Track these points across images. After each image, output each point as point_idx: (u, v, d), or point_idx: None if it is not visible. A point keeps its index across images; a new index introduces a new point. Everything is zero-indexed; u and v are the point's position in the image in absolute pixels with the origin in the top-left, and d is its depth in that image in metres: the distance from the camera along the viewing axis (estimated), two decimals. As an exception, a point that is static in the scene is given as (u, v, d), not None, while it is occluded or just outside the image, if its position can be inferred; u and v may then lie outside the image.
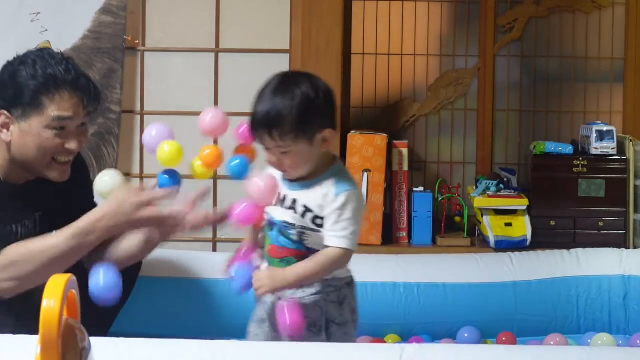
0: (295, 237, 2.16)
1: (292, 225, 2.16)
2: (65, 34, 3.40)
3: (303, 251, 2.16)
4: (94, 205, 2.53)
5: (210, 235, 3.49)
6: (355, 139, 3.40)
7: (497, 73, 3.78)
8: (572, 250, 3.06)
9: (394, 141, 3.50)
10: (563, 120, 3.79)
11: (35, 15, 3.39)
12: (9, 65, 2.37)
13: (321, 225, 2.13)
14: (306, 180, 2.17)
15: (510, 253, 3.08)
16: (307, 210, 2.15)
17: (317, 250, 2.14)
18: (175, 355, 1.87)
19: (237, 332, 2.80)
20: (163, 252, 2.99)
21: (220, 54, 3.48)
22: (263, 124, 2.10)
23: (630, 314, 2.93)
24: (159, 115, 3.48)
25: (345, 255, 2.12)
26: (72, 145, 2.36)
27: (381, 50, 3.81)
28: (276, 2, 3.45)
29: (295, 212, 2.16)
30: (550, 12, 3.78)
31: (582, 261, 3.00)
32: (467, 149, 3.81)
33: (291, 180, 2.18)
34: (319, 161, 2.15)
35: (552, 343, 2.78)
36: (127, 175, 3.47)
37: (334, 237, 2.11)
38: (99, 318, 2.50)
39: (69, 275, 1.44)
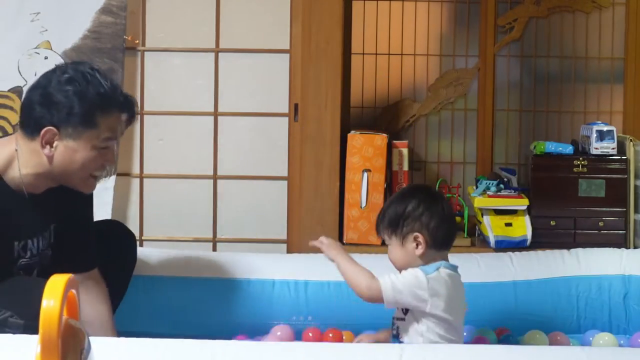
0: (394, 332, 2.37)
1: (393, 320, 2.38)
2: (65, 34, 3.40)
3: None
4: (90, 212, 2.56)
5: (210, 235, 3.49)
6: (355, 139, 3.39)
7: (497, 73, 3.78)
8: (572, 250, 3.05)
9: (394, 141, 3.50)
10: (563, 120, 3.79)
11: (35, 15, 3.39)
12: (52, 80, 2.34)
13: (405, 313, 2.32)
14: None
15: (510, 253, 3.07)
16: None
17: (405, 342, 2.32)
18: (175, 355, 1.87)
19: (237, 331, 2.80)
20: (163, 252, 2.99)
21: (220, 54, 3.48)
22: (375, 221, 2.45)
23: (631, 314, 2.93)
24: (159, 115, 3.48)
25: (374, 289, 2.30)
26: (109, 162, 2.39)
27: (381, 50, 3.81)
28: (276, 2, 3.45)
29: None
30: (550, 12, 3.78)
31: (582, 261, 2.99)
32: (467, 148, 3.81)
33: None
34: (420, 261, 2.34)
35: (558, 338, 2.78)
36: (127, 175, 3.47)
37: (384, 274, 2.31)
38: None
39: (68, 275, 1.44)
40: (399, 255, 2.36)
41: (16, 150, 2.35)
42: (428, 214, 2.35)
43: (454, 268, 2.37)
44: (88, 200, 2.56)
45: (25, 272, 2.39)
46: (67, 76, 2.33)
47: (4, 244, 2.34)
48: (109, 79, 2.39)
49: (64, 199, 2.45)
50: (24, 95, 2.41)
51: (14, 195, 2.35)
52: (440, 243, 2.37)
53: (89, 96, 2.31)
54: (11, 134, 2.47)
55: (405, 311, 2.32)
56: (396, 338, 2.35)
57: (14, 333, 2.07)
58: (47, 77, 2.36)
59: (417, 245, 2.33)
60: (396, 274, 2.33)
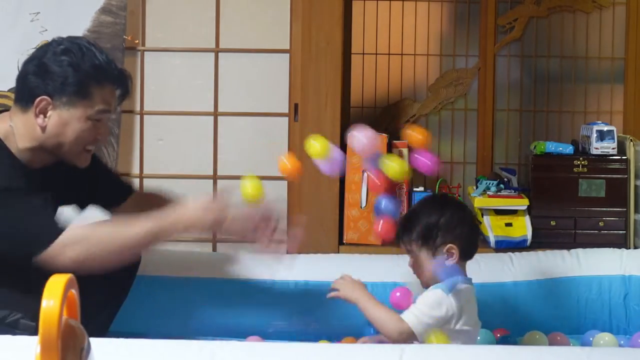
0: None
1: None
2: (65, 33, 3.34)
3: None
4: (96, 185, 2.59)
5: (210, 235, 3.48)
6: (356, 139, 3.39)
7: (497, 73, 3.78)
8: (573, 250, 3.05)
9: (394, 141, 3.50)
10: (563, 120, 3.79)
11: (35, 15, 3.39)
12: (47, 52, 2.35)
13: None
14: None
15: (510, 253, 3.07)
16: None
17: None
18: (175, 355, 1.87)
19: (237, 331, 2.80)
20: (163, 252, 2.99)
21: (220, 54, 3.48)
22: (397, 231, 2.41)
23: (631, 314, 2.93)
24: (159, 115, 3.48)
25: (405, 332, 2.27)
26: (102, 135, 2.40)
27: (381, 50, 3.81)
28: (276, 2, 3.45)
29: None
30: (551, 12, 3.78)
31: (583, 261, 2.99)
32: (467, 148, 3.81)
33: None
34: (441, 272, 2.32)
35: (558, 338, 2.78)
36: (127, 175, 3.46)
37: (408, 311, 2.30)
38: (99, 316, 2.52)
39: (68, 275, 1.44)
40: (427, 266, 2.35)
41: (10, 126, 2.35)
42: (461, 225, 2.35)
43: (469, 281, 2.38)
44: (93, 177, 2.58)
45: None
46: (62, 47, 2.35)
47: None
48: (105, 54, 2.39)
49: (62, 175, 2.45)
50: (19, 69, 2.41)
51: (20, 166, 2.35)
52: (469, 253, 2.39)
53: (83, 67, 2.32)
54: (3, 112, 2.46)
55: None
56: None
57: (25, 335, 2.07)
58: (43, 49, 2.39)
59: (449, 256, 2.33)
60: (416, 305, 2.31)
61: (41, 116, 2.32)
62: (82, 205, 2.53)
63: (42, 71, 2.32)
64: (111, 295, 2.59)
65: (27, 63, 2.37)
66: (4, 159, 2.34)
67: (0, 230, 2.26)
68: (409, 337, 2.27)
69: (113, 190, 2.67)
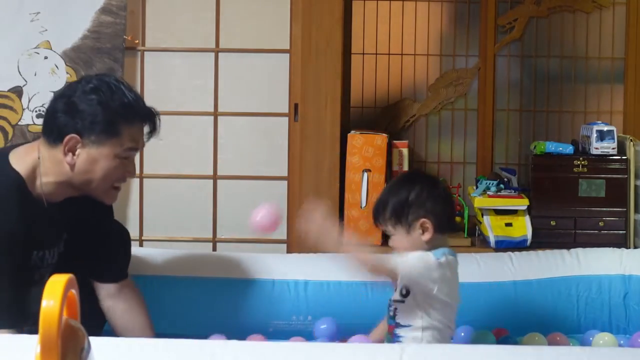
0: (391, 313, 2.35)
1: (390, 302, 2.38)
2: (65, 34, 3.40)
3: (392, 326, 2.36)
4: (110, 221, 2.59)
5: (210, 235, 3.49)
6: (355, 139, 3.39)
7: (497, 73, 3.78)
8: (572, 250, 3.05)
9: (394, 141, 3.50)
10: (563, 120, 3.79)
11: (35, 15, 3.39)
12: (76, 90, 2.35)
13: (405, 295, 2.32)
14: None
15: (510, 253, 3.07)
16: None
17: (406, 326, 2.33)
18: (176, 355, 1.87)
19: (237, 331, 2.80)
20: (163, 252, 2.99)
21: (220, 54, 3.48)
22: (373, 212, 2.43)
23: (631, 314, 2.93)
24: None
25: (384, 260, 2.28)
26: (130, 173, 2.41)
27: (381, 50, 3.81)
28: (276, 2, 3.45)
29: (395, 289, 2.37)
30: (551, 12, 3.77)
31: (582, 261, 2.99)
32: (467, 148, 3.81)
33: None
34: (426, 246, 2.33)
35: (557, 338, 2.78)
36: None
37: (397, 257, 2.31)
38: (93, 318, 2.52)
39: (68, 275, 1.43)
40: (405, 243, 2.35)
41: (39, 158, 2.35)
42: (432, 199, 2.34)
43: (454, 254, 2.38)
44: (108, 210, 2.58)
45: (41, 281, 2.39)
46: (91, 86, 2.35)
47: (23, 253, 2.35)
48: (134, 92, 2.40)
49: (82, 209, 2.46)
50: (47, 104, 2.41)
51: (35, 204, 2.35)
52: (445, 226, 2.37)
53: (112, 105, 2.33)
54: (31, 142, 2.47)
55: (406, 293, 2.32)
56: (392, 319, 2.36)
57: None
58: (72, 87, 2.38)
59: (424, 231, 2.33)
60: (405, 254, 2.32)
61: (70, 154, 2.33)
62: (95, 237, 2.54)
63: (71, 109, 2.32)
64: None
65: (56, 100, 2.37)
66: (18, 202, 2.33)
67: None
68: (386, 263, 2.28)
69: (106, 261, 2.61)
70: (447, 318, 2.34)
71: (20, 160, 2.35)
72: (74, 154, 2.32)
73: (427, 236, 2.33)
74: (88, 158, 2.33)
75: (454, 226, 2.43)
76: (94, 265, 2.56)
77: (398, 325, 2.34)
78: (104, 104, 2.32)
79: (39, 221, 2.35)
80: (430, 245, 2.33)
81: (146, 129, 2.42)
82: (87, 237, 2.51)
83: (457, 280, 2.40)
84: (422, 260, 2.29)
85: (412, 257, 2.30)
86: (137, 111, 2.38)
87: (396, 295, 2.36)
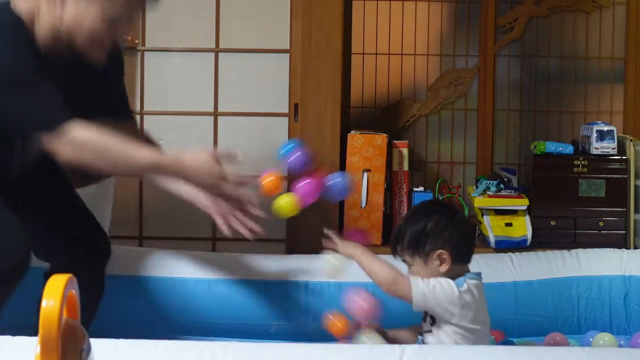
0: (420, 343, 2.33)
1: (421, 334, 2.35)
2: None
3: None
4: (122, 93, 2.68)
5: (210, 235, 3.49)
6: (355, 139, 3.39)
7: (497, 73, 3.78)
8: (573, 251, 3.05)
9: (394, 141, 3.50)
10: (563, 120, 3.79)
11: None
12: None
13: (433, 324, 2.29)
14: None
15: (510, 253, 3.07)
16: (425, 314, 2.32)
17: None
18: (175, 355, 1.87)
19: (236, 332, 2.80)
20: (162, 252, 2.99)
21: (220, 54, 3.48)
22: (391, 242, 2.39)
23: (631, 314, 2.93)
24: (159, 115, 3.48)
25: (401, 284, 2.27)
26: (117, 38, 2.44)
27: (381, 50, 3.81)
28: (276, 2, 3.45)
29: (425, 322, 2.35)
30: (551, 12, 3.78)
31: (583, 261, 2.99)
32: (467, 148, 3.81)
33: None
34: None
35: (557, 339, 2.78)
36: (127, 175, 3.47)
37: (417, 277, 2.28)
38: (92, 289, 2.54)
39: (68, 275, 1.44)
40: (423, 274, 2.28)
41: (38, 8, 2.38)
42: (450, 229, 2.28)
43: (478, 276, 2.33)
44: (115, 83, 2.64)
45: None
46: None
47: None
48: None
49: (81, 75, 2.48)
50: None
51: (36, 50, 2.36)
52: (463, 257, 2.32)
53: None
54: None
55: (433, 322, 2.28)
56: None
57: None
58: None
59: (442, 262, 2.27)
60: (426, 280, 2.27)
61: (59, 3, 2.35)
62: (79, 110, 2.53)
63: None
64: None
65: None
66: (24, 43, 2.35)
67: (10, 105, 2.30)
68: (403, 289, 2.25)
69: (114, 107, 2.66)
70: (477, 344, 2.26)
71: (22, 3, 2.37)
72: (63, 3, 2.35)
73: (444, 267, 2.27)
74: (76, 10, 2.35)
75: (472, 255, 2.36)
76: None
77: None
78: None
79: (40, 68, 2.36)
80: (450, 276, 2.27)
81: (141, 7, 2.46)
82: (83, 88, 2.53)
83: (485, 303, 2.33)
84: (443, 288, 2.24)
85: (432, 284, 2.25)
86: None
87: (426, 326, 2.32)
